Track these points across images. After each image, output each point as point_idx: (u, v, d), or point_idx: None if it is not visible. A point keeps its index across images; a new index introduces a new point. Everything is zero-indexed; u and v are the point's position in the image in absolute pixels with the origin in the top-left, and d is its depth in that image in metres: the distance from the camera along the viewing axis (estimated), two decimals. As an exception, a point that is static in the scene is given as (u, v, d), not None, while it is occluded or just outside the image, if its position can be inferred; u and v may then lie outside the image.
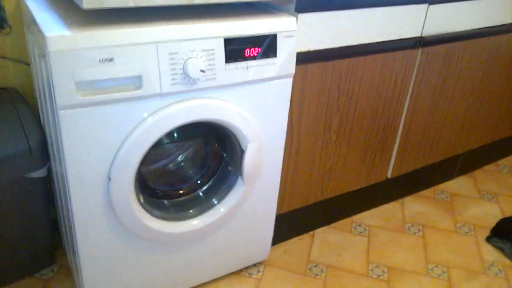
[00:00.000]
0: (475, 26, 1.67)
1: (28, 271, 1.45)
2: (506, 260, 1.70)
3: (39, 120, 1.34)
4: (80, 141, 1.01)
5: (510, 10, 1.75)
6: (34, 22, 1.05)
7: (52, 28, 0.94)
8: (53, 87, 0.94)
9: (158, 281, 1.33)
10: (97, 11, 1.10)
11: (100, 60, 0.95)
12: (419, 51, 1.55)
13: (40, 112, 1.34)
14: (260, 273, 1.54)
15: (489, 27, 1.72)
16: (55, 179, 1.32)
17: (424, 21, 1.51)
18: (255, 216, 1.42)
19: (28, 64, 1.44)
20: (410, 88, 1.62)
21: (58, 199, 1.35)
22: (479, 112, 1.96)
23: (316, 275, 1.56)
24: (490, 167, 2.32)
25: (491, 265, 1.67)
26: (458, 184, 2.15)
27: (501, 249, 1.74)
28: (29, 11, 1.14)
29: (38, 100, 1.32)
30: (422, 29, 1.52)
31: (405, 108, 1.66)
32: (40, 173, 1.27)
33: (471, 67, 1.77)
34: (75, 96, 0.95)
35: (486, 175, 2.24)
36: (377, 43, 1.43)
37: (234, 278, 1.51)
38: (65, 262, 1.52)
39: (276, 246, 1.67)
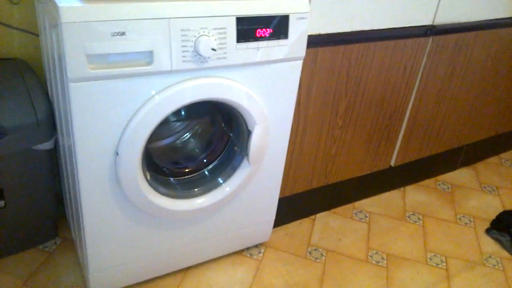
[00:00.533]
0: (487, 17, 1.66)
1: (31, 242, 1.46)
2: (504, 253, 1.71)
3: (47, 92, 1.34)
4: (89, 114, 1.01)
5: (523, 2, 1.74)
6: (46, -8, 1.05)
7: (65, -2, 0.93)
8: (64, 59, 0.93)
9: (161, 257, 1.35)
10: (110, -16, 1.09)
11: (112, 33, 0.95)
12: (430, 39, 1.54)
13: (48, 84, 1.34)
14: (261, 254, 1.56)
15: (501, 18, 1.71)
16: (61, 152, 1.33)
17: (437, 10, 1.49)
18: (259, 197, 1.43)
19: (37, 35, 1.43)
20: (419, 77, 1.62)
21: (64, 172, 1.35)
22: (485, 104, 1.96)
23: (316, 258, 1.57)
24: (492, 160, 2.33)
25: (489, 257, 1.68)
26: (460, 176, 2.16)
27: (499, 242, 1.76)
28: (41, -19, 1.13)
29: (47, 72, 1.32)
30: (434, 18, 1.51)
31: (413, 97, 1.65)
32: (47, 145, 1.27)
33: (481, 58, 1.76)
34: (86, 69, 0.95)
35: (488, 168, 2.25)
36: (389, 29, 1.42)
37: (235, 258, 1.53)
38: (68, 235, 1.53)
39: (277, 228, 1.68)
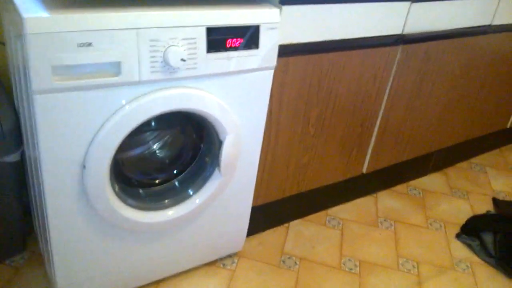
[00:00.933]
0: (456, 26, 1.69)
1: (-3, 257, 1.42)
2: (474, 257, 1.74)
3: (13, 103, 1.30)
4: (55, 127, 0.99)
5: (490, 11, 1.78)
6: (10, 0, 1.02)
7: (30, 9, 0.91)
8: (28, 70, 0.91)
9: (132, 269, 1.32)
10: (76, -7, 1.07)
11: (78, 44, 0.93)
12: (400, 48, 1.57)
13: (14, 94, 1.31)
14: (235, 264, 1.55)
15: (469, 27, 1.75)
16: (28, 164, 1.29)
17: (406, 19, 1.52)
18: (231, 207, 1.42)
19: (3, 44, 1.39)
20: (389, 85, 1.64)
21: (31, 185, 1.32)
22: (454, 111, 2.00)
23: (290, 267, 1.57)
24: (462, 164, 2.37)
25: (460, 261, 1.71)
26: (430, 181, 2.19)
27: (469, 246, 1.79)
28: (5, -11, 1.10)
29: (13, 82, 1.28)
30: (404, 27, 1.53)
31: (383, 105, 1.68)
32: (12, 157, 1.24)
33: (450, 66, 1.80)
34: (51, 81, 0.93)
35: (458, 173, 2.29)
36: (359, 38, 1.44)
37: (208, 269, 1.51)
38: (36, 249, 1.49)
39: (251, 237, 1.67)
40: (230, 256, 1.58)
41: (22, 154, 1.29)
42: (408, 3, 1.48)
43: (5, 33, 1.26)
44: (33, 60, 0.90)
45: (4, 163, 1.24)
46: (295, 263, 1.59)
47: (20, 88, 1.11)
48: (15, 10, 0.96)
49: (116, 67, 0.99)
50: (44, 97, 0.95)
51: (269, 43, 1.19)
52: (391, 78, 1.62)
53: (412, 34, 1.57)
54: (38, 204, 1.23)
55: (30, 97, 0.96)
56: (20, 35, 0.93)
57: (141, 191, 1.27)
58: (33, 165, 1.17)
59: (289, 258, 1.61)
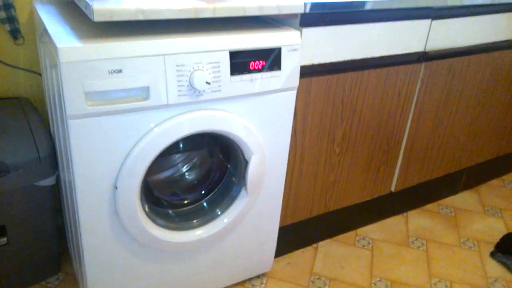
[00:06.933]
0: (478, 42, 1.69)
1: (34, 278, 1.46)
2: (510, 276, 1.69)
3: (49, 129, 1.37)
4: (88, 150, 1.04)
5: (510, 26, 1.77)
6: (46, 33, 1.09)
7: (63, 39, 0.97)
8: (63, 97, 0.97)
9: (161, 290, 1.35)
10: (107, 23, 1.14)
11: (109, 71, 0.98)
12: (423, 65, 1.57)
13: (50, 121, 1.37)
14: (263, 285, 1.55)
15: (492, 42, 1.74)
16: (63, 187, 1.35)
17: (428, 36, 1.53)
18: (259, 227, 1.43)
19: (40, 74, 1.47)
20: (414, 102, 1.64)
21: (66, 207, 1.37)
22: (483, 126, 1.97)
23: None
24: (495, 182, 2.32)
25: (495, 281, 1.66)
26: (462, 199, 2.15)
27: (505, 265, 1.74)
28: (41, 22, 1.17)
29: (49, 110, 1.35)
30: (426, 44, 1.54)
31: (409, 122, 1.67)
32: (48, 181, 1.30)
33: (475, 82, 1.79)
34: (84, 106, 0.98)
35: (491, 190, 2.24)
36: (381, 57, 1.46)
37: (237, 289, 1.53)
38: (71, 270, 1.54)
39: (279, 258, 1.67)
40: (259, 276, 1.58)
41: (58, 178, 1.35)
42: (428, 21, 1.50)
43: (42, 64, 1.33)
44: (67, 87, 0.96)
45: (41, 186, 1.30)
46: (325, 283, 1.58)
47: (56, 114, 1.17)
48: (50, 41, 1.02)
49: (145, 92, 1.04)
50: (78, 122, 1.00)
51: (291, 64, 1.22)
52: (415, 95, 1.63)
53: (435, 51, 1.58)
54: (72, 225, 1.27)
55: (65, 123, 1.01)
56: (55, 64, 0.99)
57: (170, 211, 1.31)
58: (67, 188, 1.22)
59: (318, 278, 1.60)
